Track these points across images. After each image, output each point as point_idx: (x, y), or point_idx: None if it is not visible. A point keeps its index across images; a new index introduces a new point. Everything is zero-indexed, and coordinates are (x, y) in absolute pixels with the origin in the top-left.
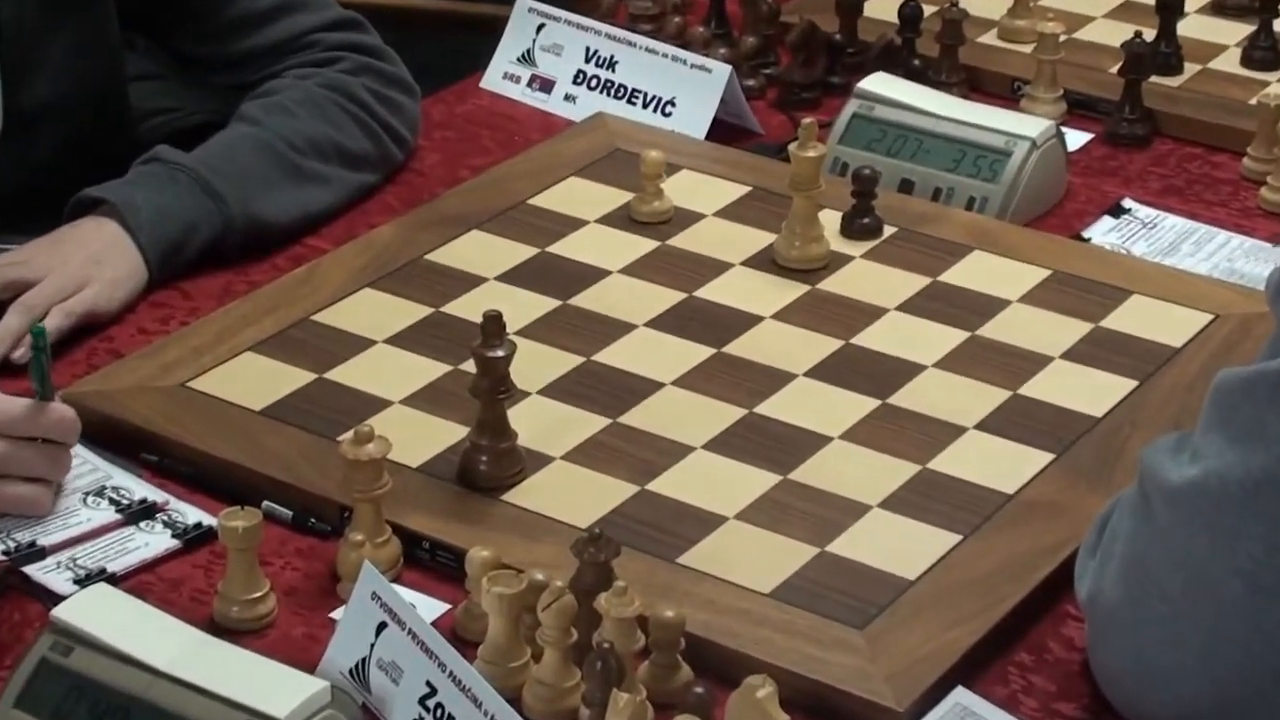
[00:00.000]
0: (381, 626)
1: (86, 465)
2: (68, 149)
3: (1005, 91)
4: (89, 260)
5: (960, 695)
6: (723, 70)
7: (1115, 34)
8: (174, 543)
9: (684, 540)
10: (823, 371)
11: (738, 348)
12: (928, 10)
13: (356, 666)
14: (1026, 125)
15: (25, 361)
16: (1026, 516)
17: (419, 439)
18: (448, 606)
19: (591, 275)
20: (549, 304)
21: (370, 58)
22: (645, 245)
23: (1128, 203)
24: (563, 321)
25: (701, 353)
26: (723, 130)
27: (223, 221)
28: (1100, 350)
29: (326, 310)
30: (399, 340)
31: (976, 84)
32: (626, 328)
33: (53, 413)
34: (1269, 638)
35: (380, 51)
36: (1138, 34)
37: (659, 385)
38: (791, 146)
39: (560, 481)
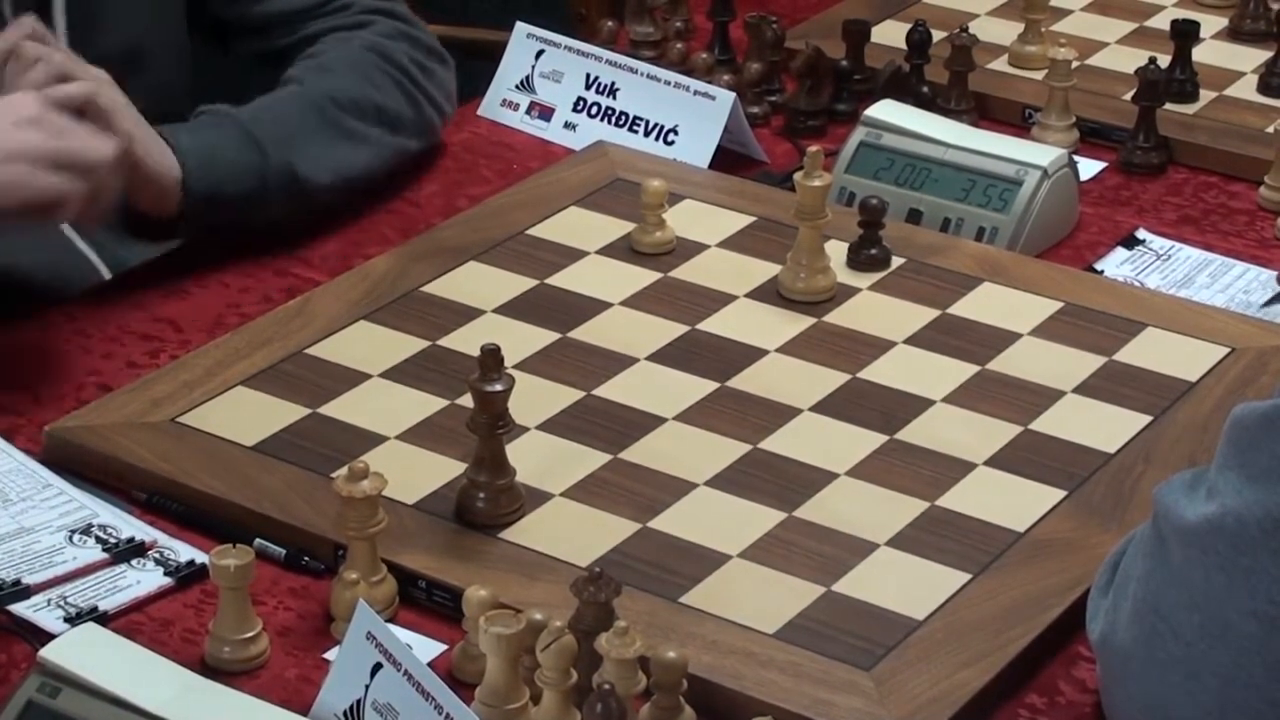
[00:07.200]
0: (377, 667)
1: (74, 503)
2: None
3: (1016, 119)
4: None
5: None
6: (726, 97)
7: (1129, 60)
8: (167, 580)
9: (686, 579)
10: (829, 406)
11: (741, 382)
12: (937, 36)
13: (351, 708)
14: (1038, 154)
15: None
16: (1037, 555)
17: (415, 475)
18: (444, 647)
19: (592, 307)
20: (548, 337)
21: (404, 24)
22: (647, 277)
23: (1142, 233)
24: (562, 355)
25: (704, 387)
26: (726, 159)
27: (259, 172)
28: (1113, 385)
29: (320, 343)
30: (394, 374)
31: (986, 111)
32: (627, 361)
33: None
34: None
35: (412, 19)
36: (1152, 60)
37: (661, 420)
38: (797, 175)
39: (560, 519)
